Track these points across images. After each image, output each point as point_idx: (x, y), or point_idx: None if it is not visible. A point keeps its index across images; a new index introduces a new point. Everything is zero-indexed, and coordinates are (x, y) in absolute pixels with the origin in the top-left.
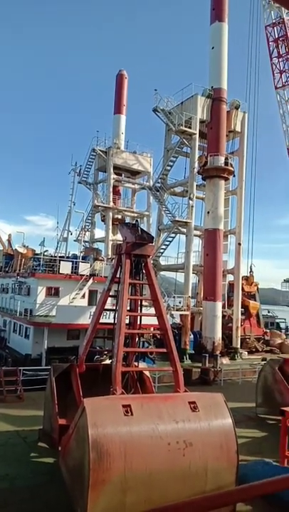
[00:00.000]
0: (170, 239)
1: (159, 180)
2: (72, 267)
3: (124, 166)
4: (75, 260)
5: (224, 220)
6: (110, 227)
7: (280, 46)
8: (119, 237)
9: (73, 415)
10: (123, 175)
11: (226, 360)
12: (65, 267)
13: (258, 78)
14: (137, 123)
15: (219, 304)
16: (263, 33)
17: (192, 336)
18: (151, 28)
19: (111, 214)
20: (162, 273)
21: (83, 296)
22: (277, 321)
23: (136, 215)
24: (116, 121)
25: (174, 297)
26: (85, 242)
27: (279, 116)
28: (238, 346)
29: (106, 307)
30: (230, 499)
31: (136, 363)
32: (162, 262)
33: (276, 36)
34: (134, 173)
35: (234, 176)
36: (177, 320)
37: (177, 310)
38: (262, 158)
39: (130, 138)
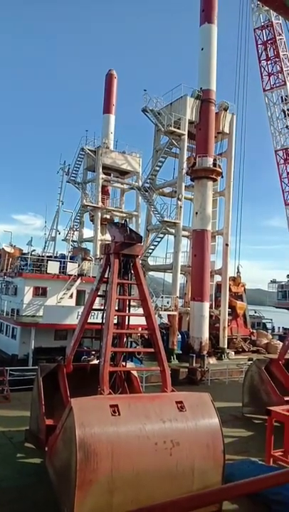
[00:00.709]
0: (158, 239)
1: (148, 181)
2: (60, 266)
3: (113, 166)
4: (62, 260)
5: (212, 220)
6: (99, 226)
7: (268, 49)
8: (107, 237)
9: (60, 416)
10: (112, 175)
11: (212, 360)
12: (53, 267)
13: (246, 80)
14: (126, 123)
15: (207, 305)
16: (252, 35)
17: (180, 336)
18: (142, 28)
19: (100, 214)
20: (150, 273)
21: (71, 296)
22: (263, 321)
23: (125, 215)
24: (105, 121)
25: (162, 297)
26: (73, 241)
27: (267, 118)
28: (225, 346)
29: (94, 307)
30: (216, 498)
31: (124, 363)
32: (151, 262)
33: (265, 39)
34: (123, 173)
35: (222, 177)
36: (165, 320)
37: (165, 310)
38: (250, 159)
39: (119, 138)
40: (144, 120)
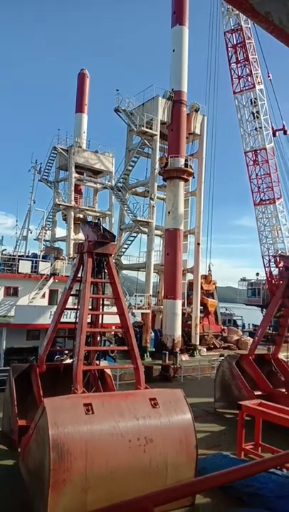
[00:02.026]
0: (132, 238)
1: (121, 180)
2: (32, 266)
3: (86, 165)
4: (34, 259)
5: (184, 220)
6: (72, 226)
7: (238, 52)
8: (80, 236)
9: (33, 416)
10: (85, 174)
11: (185, 357)
12: (25, 267)
13: (217, 82)
14: (99, 123)
15: (179, 302)
16: (223, 38)
17: (153, 333)
18: (115, 28)
19: (72, 213)
20: (124, 272)
21: (43, 296)
22: (234, 318)
23: (98, 214)
24: (78, 120)
25: (135, 296)
26: (45, 241)
27: (237, 120)
28: (197, 343)
29: (67, 306)
30: (188, 491)
31: (97, 362)
32: (124, 261)
33: (235, 42)
34: (96, 173)
35: (194, 177)
36: (138, 318)
37: (138, 308)
38: (222, 160)
39: (92, 137)
40: (117, 120)
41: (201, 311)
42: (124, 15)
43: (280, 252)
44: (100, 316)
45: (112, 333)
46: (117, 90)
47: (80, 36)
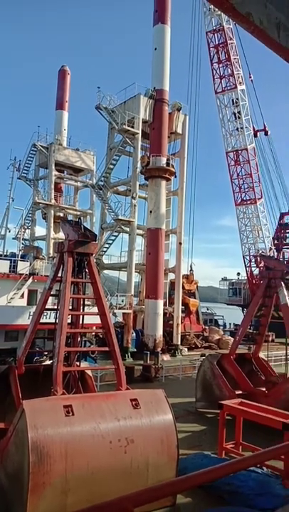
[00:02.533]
0: (113, 237)
1: (102, 179)
2: (11, 265)
3: (67, 163)
4: (13, 259)
5: (166, 219)
6: (52, 225)
7: (220, 52)
8: (61, 235)
9: (12, 419)
10: (65, 172)
11: (166, 357)
12: (3, 266)
13: (199, 82)
14: (80, 120)
15: (161, 302)
16: (205, 38)
17: (134, 334)
18: (96, 27)
19: (52, 211)
20: (105, 272)
21: (22, 296)
22: (215, 317)
23: (79, 213)
24: (58, 117)
25: (116, 296)
26: (24, 240)
27: (219, 120)
28: (179, 343)
29: (47, 306)
30: (169, 490)
31: (77, 363)
32: (105, 260)
33: (216, 42)
34: (76, 171)
35: (175, 176)
36: (120, 318)
37: (120, 308)
38: (204, 160)
39: (73, 135)
40: (98, 118)
41: (182, 311)
42: (106, 13)
43: (260, 252)
44: (81, 316)
45: (93, 333)
46: (99, 88)
47: (61, 34)
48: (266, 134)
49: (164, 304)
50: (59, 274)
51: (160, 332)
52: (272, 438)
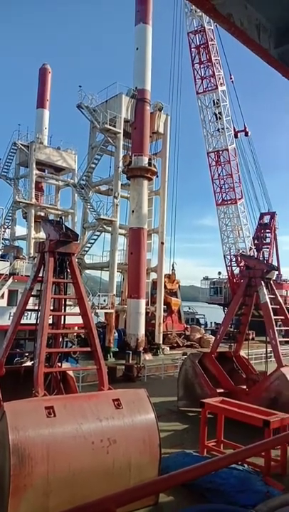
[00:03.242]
0: (95, 237)
1: (84, 178)
2: None
3: (48, 162)
4: None
5: (148, 219)
6: (32, 224)
7: (201, 53)
8: (42, 235)
9: None
10: (46, 171)
11: (148, 356)
12: None
13: (180, 82)
14: (61, 119)
15: (143, 302)
16: (186, 39)
17: (116, 333)
18: (79, 24)
19: (33, 211)
20: (87, 271)
21: (2, 296)
22: (196, 316)
23: (60, 212)
24: (39, 116)
25: (98, 296)
26: (4, 239)
27: (200, 121)
28: (161, 342)
29: (28, 307)
30: (151, 490)
31: (59, 364)
32: (87, 260)
33: (198, 43)
34: (58, 170)
35: (157, 176)
36: (102, 318)
37: (102, 308)
38: (186, 160)
39: (54, 134)
40: (80, 117)
41: (164, 310)
42: (88, 11)
43: (241, 251)
44: (62, 316)
45: (75, 334)
46: (80, 86)
47: (43, 33)
48: (246, 134)
49: (146, 304)
50: (40, 274)
51: (142, 331)
52: (253, 435)
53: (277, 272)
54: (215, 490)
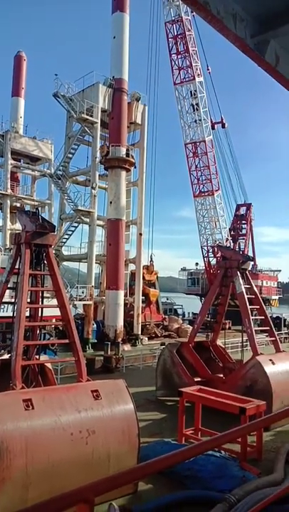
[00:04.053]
0: (73, 228)
1: (61, 168)
2: None
3: (23, 152)
4: None
5: (126, 210)
6: (8, 215)
7: (178, 43)
8: (18, 226)
9: None
10: (22, 161)
11: (127, 347)
12: None
13: (158, 72)
14: (37, 108)
15: (121, 293)
16: (164, 28)
17: (95, 325)
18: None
19: (9, 201)
20: (65, 263)
21: None
22: (174, 307)
23: (36, 203)
24: (14, 104)
25: (77, 287)
26: None
27: (177, 112)
28: (139, 333)
29: (4, 300)
30: (130, 478)
31: (37, 356)
32: (65, 251)
33: (175, 33)
34: (33, 160)
35: (135, 167)
36: (80, 310)
37: (80, 300)
38: (165, 151)
39: (30, 123)
40: (56, 106)
41: (142, 301)
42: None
43: (217, 242)
44: (40, 309)
45: (53, 326)
46: (56, 75)
47: (18, 20)
48: (223, 126)
49: (125, 295)
50: (16, 266)
51: (121, 322)
52: (230, 422)
53: (252, 263)
54: (193, 477)
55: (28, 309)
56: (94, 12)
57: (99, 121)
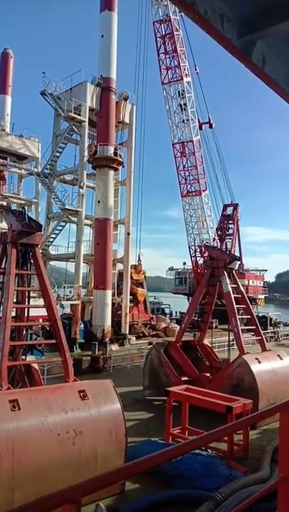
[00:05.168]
0: (60, 227)
1: (48, 167)
2: None
3: (10, 150)
4: None
5: (114, 210)
6: None
7: (166, 43)
8: (4, 225)
9: None
10: (8, 159)
11: (115, 347)
12: None
13: (146, 72)
14: (25, 106)
15: (109, 293)
16: (152, 28)
17: (82, 325)
18: (44, 10)
19: None
20: (52, 263)
21: None
22: (162, 306)
23: (23, 202)
24: (0, 102)
25: (64, 287)
26: None
27: (165, 111)
28: (127, 332)
29: None
30: (116, 477)
31: (23, 357)
32: (52, 251)
33: (163, 33)
34: (20, 158)
35: (123, 166)
36: (68, 310)
37: (68, 300)
38: (151, 150)
39: (17, 121)
40: (44, 104)
41: (130, 301)
42: None
43: (205, 242)
44: (26, 309)
45: (40, 326)
46: (44, 73)
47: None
48: (211, 126)
49: (113, 295)
50: (2, 266)
51: (109, 322)
52: (217, 421)
53: (239, 262)
54: (180, 476)
55: (15, 309)
56: (83, 10)
57: (87, 120)
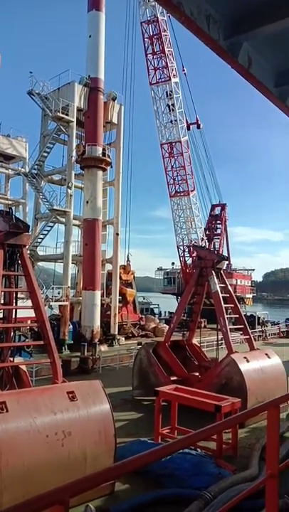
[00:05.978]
0: (48, 228)
1: (36, 167)
2: None
3: None
4: None
5: (103, 210)
6: None
7: (154, 44)
8: None
9: None
10: None
11: (104, 348)
12: None
13: (134, 72)
14: (11, 106)
15: (98, 293)
16: (140, 28)
17: (71, 326)
18: (31, 9)
19: None
20: (40, 264)
21: None
22: (151, 306)
23: (10, 202)
24: None
25: (52, 288)
26: None
27: (153, 112)
28: (116, 333)
29: None
30: (105, 477)
31: (11, 359)
32: (40, 252)
33: (151, 34)
34: (7, 158)
35: (111, 167)
36: (56, 311)
37: (56, 301)
38: (139, 151)
39: (3, 120)
40: (31, 104)
41: (119, 301)
42: None
43: (193, 242)
44: (14, 310)
45: (28, 327)
46: (31, 72)
47: None
48: (198, 127)
49: (102, 295)
50: None
51: (98, 323)
52: (207, 420)
53: (227, 262)
54: (170, 475)
55: (2, 311)
56: (70, 10)
57: (75, 120)
